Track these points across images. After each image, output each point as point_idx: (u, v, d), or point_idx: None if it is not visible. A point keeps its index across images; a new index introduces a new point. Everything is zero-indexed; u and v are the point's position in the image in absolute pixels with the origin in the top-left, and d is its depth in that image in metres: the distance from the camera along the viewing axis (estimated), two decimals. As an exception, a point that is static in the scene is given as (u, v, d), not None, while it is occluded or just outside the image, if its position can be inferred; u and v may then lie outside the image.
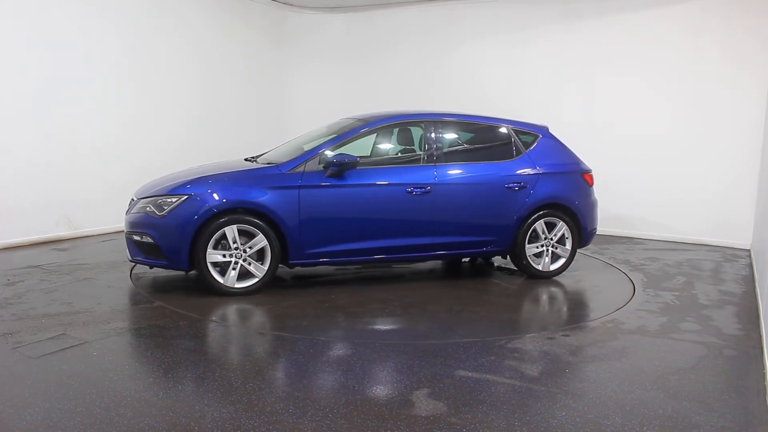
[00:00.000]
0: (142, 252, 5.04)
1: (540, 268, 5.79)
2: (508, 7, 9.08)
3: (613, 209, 7.10)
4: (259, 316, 4.65)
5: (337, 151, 5.29)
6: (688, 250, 7.69)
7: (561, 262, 5.86)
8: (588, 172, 6.00)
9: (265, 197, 4.95)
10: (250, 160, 5.73)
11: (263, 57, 10.16)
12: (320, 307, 4.82)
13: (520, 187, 5.62)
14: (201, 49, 8.87)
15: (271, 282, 5.19)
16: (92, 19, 7.30)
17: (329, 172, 5.12)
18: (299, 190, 5.05)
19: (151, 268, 5.28)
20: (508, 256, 5.95)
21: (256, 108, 10.06)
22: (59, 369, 3.39)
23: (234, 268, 4.93)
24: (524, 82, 9.03)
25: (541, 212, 5.70)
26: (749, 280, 6.11)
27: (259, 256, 5.02)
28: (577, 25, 8.63)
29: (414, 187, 5.34)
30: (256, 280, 5.00)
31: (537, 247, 5.76)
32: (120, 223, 7.48)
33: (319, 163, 5.16)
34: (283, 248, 5.08)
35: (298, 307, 4.81)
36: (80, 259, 6.12)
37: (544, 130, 6.02)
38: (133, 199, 5.32)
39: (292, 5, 10.31)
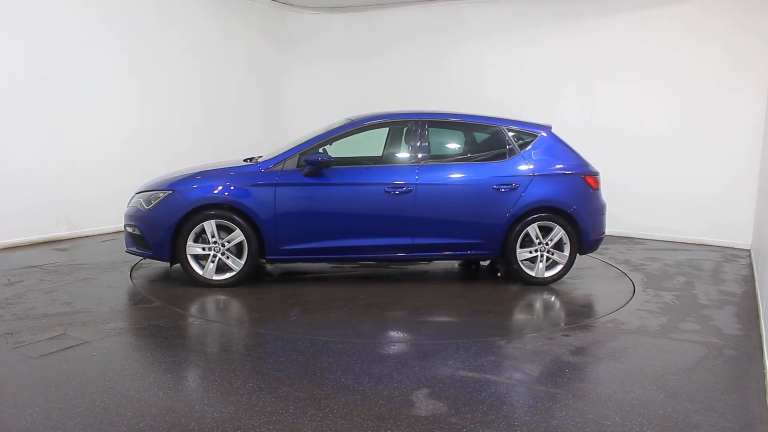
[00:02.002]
0: (134, 243, 5.38)
1: (533, 274, 5.53)
2: (509, 8, 9.08)
3: (613, 209, 7.08)
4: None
5: (325, 150, 5.45)
6: (688, 250, 7.69)
7: (558, 268, 5.57)
8: (591, 174, 5.67)
9: (242, 194, 5.16)
10: (248, 161, 5.75)
11: (264, 57, 10.16)
12: (285, 302, 4.94)
13: (510, 189, 5.43)
14: (201, 50, 8.87)
15: (254, 275, 5.45)
16: (92, 19, 7.30)
17: (305, 170, 5.24)
18: (275, 188, 5.20)
19: (144, 258, 5.71)
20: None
21: (257, 108, 10.06)
22: (59, 369, 3.39)
23: (213, 261, 5.16)
24: (525, 82, 9.03)
25: (534, 215, 5.47)
26: (749, 280, 6.11)
27: (239, 250, 5.21)
28: (577, 26, 8.64)
29: (393, 187, 5.31)
30: (233, 273, 5.21)
31: (530, 252, 5.52)
32: (119, 223, 7.60)
33: (298, 162, 5.28)
34: (261, 244, 5.21)
35: (264, 300, 4.98)
36: (80, 259, 6.12)
37: (544, 130, 5.77)
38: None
39: (292, 5, 10.31)
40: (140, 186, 5.65)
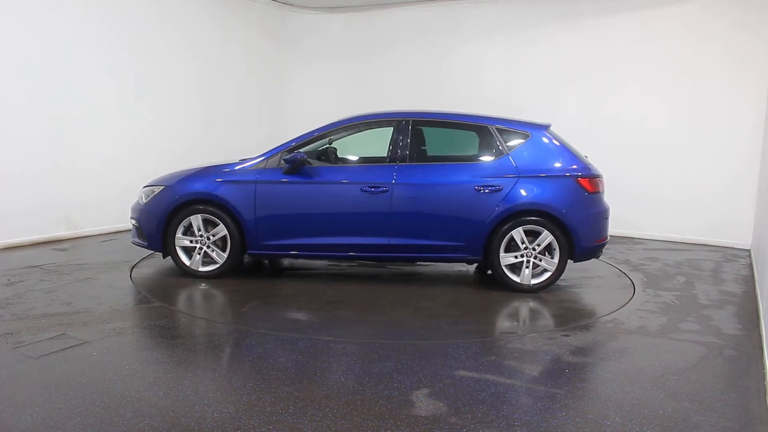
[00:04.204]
0: (136, 235, 5.73)
1: (518, 280, 5.27)
2: (509, 8, 9.09)
3: (613, 209, 7.10)
4: (209, 302, 4.75)
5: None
6: (688, 250, 7.69)
7: (546, 275, 5.28)
8: (587, 176, 5.31)
9: (226, 190, 5.38)
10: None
11: (264, 57, 10.15)
12: (252, 295, 5.11)
13: (493, 190, 5.21)
14: (201, 50, 8.86)
15: (245, 268, 5.97)
16: (92, 20, 7.29)
17: (285, 168, 5.37)
18: (256, 185, 5.37)
19: (153, 253, 6.07)
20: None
21: (257, 108, 10.06)
22: (59, 369, 3.39)
23: (199, 254, 5.45)
24: (525, 82, 9.04)
25: (519, 219, 5.21)
26: (749, 280, 6.11)
27: (224, 244, 5.45)
28: (577, 26, 8.64)
29: (370, 186, 5.29)
30: (217, 265, 5.46)
31: (515, 257, 5.27)
32: (119, 223, 7.64)
33: (279, 161, 5.42)
34: (243, 238, 5.42)
35: (235, 292, 5.18)
36: (80, 259, 6.12)
37: (537, 130, 5.48)
38: None
39: (292, 5, 10.31)
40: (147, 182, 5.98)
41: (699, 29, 7.92)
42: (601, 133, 8.47)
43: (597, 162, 5.89)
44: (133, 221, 5.71)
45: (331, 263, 6.32)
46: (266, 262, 6.36)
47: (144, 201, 5.58)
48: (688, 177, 8.09)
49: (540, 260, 5.29)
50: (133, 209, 5.74)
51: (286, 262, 6.40)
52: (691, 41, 7.98)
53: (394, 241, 5.34)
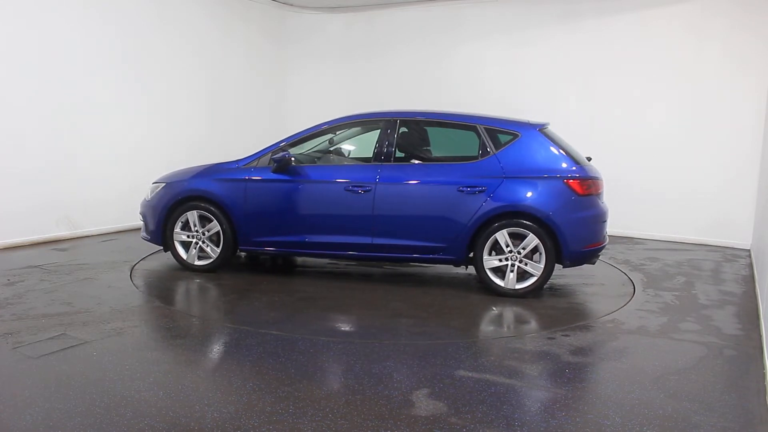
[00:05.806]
0: (144, 229, 5.95)
1: (502, 284, 5.10)
2: (509, 8, 9.08)
3: (613, 209, 7.09)
4: (193, 295, 4.98)
5: (305, 148, 5.85)
6: (688, 250, 7.69)
7: (531, 280, 5.07)
8: (578, 178, 5.07)
9: (218, 188, 5.58)
10: None
11: (264, 57, 10.15)
12: (233, 289, 5.28)
13: (477, 191, 5.08)
14: (201, 50, 8.86)
15: (253, 264, 6.25)
16: (92, 20, 7.29)
17: (273, 167, 5.50)
18: (246, 183, 5.54)
19: (154, 252, 6.27)
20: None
21: (257, 108, 10.05)
22: (59, 369, 3.39)
23: (194, 248, 5.68)
24: (525, 82, 9.03)
25: (504, 221, 5.06)
26: (749, 280, 6.11)
27: (219, 239, 5.64)
28: (577, 26, 8.63)
29: (353, 186, 5.31)
30: (211, 260, 5.67)
31: (499, 260, 5.12)
32: (119, 223, 7.64)
33: (269, 160, 5.55)
34: (235, 234, 5.60)
35: (221, 286, 5.38)
36: (80, 259, 6.12)
37: (528, 129, 5.28)
38: None
39: (292, 5, 10.31)
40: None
41: (699, 29, 7.92)
42: (601, 132, 8.47)
43: (596, 162, 5.85)
44: (141, 216, 5.96)
45: (330, 261, 6.34)
46: (280, 259, 6.47)
47: (149, 197, 5.85)
48: (688, 177, 8.09)
49: (525, 264, 5.10)
50: (141, 205, 5.99)
51: (299, 259, 6.48)
52: (691, 41, 7.98)
53: (377, 240, 5.33)
